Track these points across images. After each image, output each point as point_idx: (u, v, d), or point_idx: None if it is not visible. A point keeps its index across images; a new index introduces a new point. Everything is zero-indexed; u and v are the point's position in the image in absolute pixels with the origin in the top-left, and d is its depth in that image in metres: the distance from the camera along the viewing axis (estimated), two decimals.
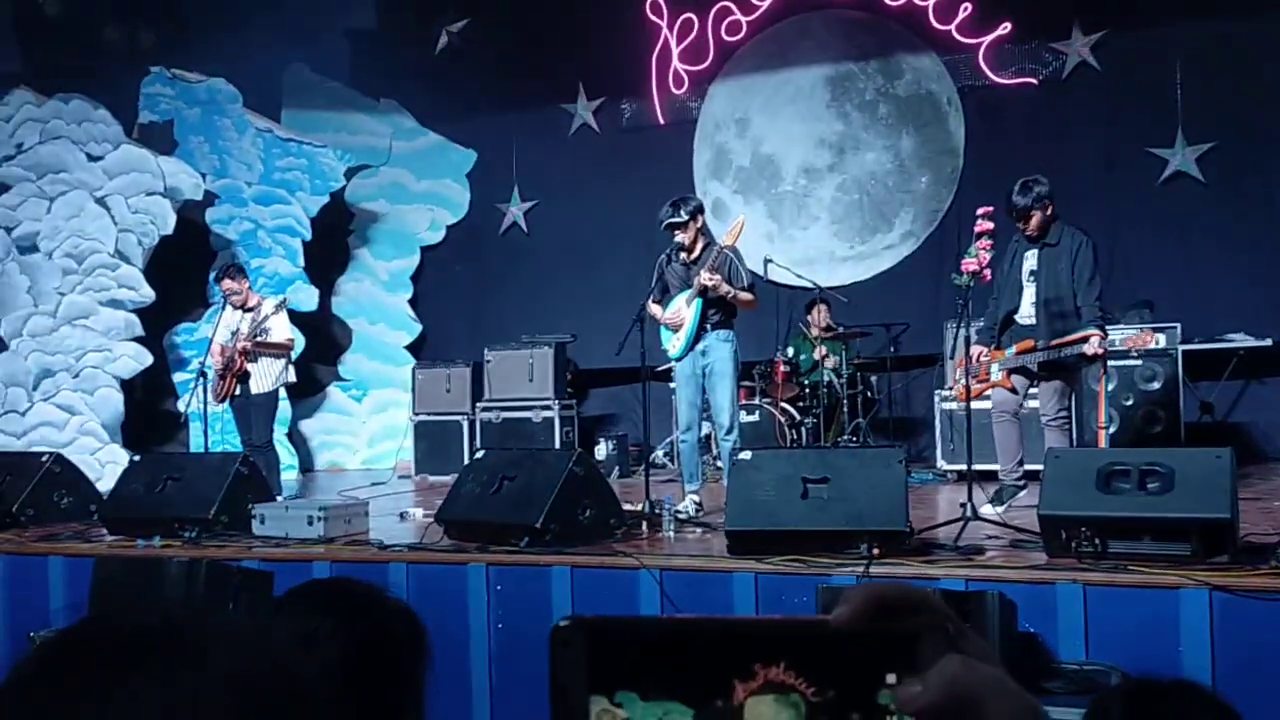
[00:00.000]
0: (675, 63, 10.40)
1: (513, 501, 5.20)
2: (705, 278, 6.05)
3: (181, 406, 10.03)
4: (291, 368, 7.89)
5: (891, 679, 0.52)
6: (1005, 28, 9.23)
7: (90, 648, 0.63)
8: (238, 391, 7.52)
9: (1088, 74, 9.12)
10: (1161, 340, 7.88)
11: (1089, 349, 5.56)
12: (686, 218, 6.20)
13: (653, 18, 10.39)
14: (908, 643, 0.52)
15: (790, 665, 0.52)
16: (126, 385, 10.24)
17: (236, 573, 5.09)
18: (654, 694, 0.53)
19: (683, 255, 6.32)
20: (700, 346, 6.23)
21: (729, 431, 6.20)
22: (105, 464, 9.46)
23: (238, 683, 0.62)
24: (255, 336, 7.39)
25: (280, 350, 7.59)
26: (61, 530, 6.24)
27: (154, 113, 10.98)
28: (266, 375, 7.56)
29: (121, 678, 0.60)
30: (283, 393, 8.02)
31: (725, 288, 6.09)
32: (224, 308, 7.72)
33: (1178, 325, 7.99)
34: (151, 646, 0.63)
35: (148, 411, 10.80)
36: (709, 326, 6.22)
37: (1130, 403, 7.85)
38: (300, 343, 10.73)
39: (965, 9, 9.33)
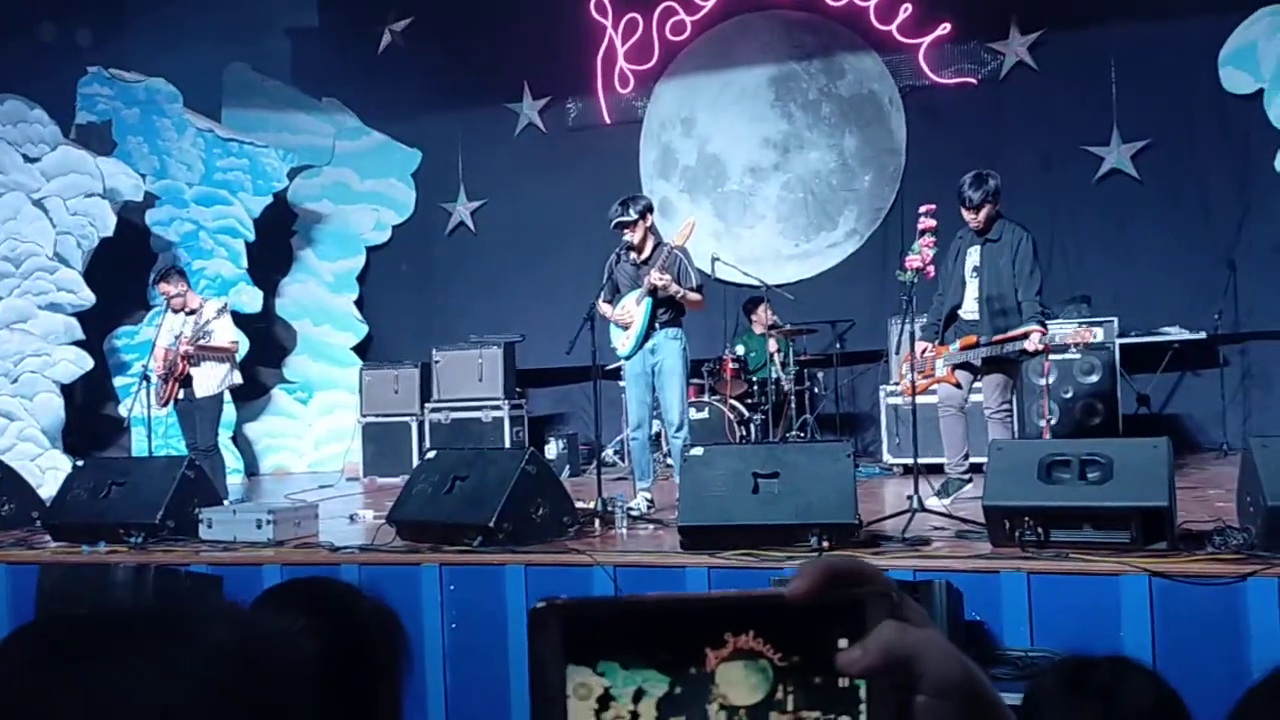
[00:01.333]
0: (620, 62, 10.44)
1: (465, 501, 5.20)
2: (655, 277, 6.09)
3: (124, 411, 9.89)
4: (237, 371, 7.81)
5: (844, 643, 0.57)
6: (945, 28, 9.38)
7: (78, 628, 0.65)
8: (181, 395, 7.44)
9: (1025, 73, 9.30)
10: (1100, 335, 8.07)
11: (1030, 345, 5.69)
12: (635, 217, 6.24)
13: (597, 17, 10.41)
14: (856, 609, 0.57)
15: (759, 634, 0.57)
16: (66, 390, 10.06)
17: (185, 577, 5.04)
18: (633, 664, 0.57)
19: (632, 255, 6.36)
20: (650, 345, 6.27)
21: (679, 429, 6.26)
22: (46, 470, 9.29)
23: (232, 656, 0.64)
24: (198, 340, 7.32)
25: (224, 353, 7.52)
26: (3, 538, 6.13)
27: (92, 113, 10.80)
28: (211, 378, 7.49)
29: (113, 651, 0.62)
30: (227, 395, 7.93)
31: (674, 288, 6.15)
32: (165, 311, 7.64)
33: (1114, 319, 8.19)
34: (143, 624, 0.65)
35: (88, 416, 10.62)
36: (658, 325, 6.26)
37: (1069, 395, 8.02)
38: (244, 345, 10.62)
39: (905, 9, 9.46)
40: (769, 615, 0.57)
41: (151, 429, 7.76)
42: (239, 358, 8.00)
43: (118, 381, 10.49)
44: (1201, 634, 3.89)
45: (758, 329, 9.29)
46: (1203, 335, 8.35)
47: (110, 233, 10.08)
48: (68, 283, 9.93)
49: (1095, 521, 4.22)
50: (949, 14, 9.33)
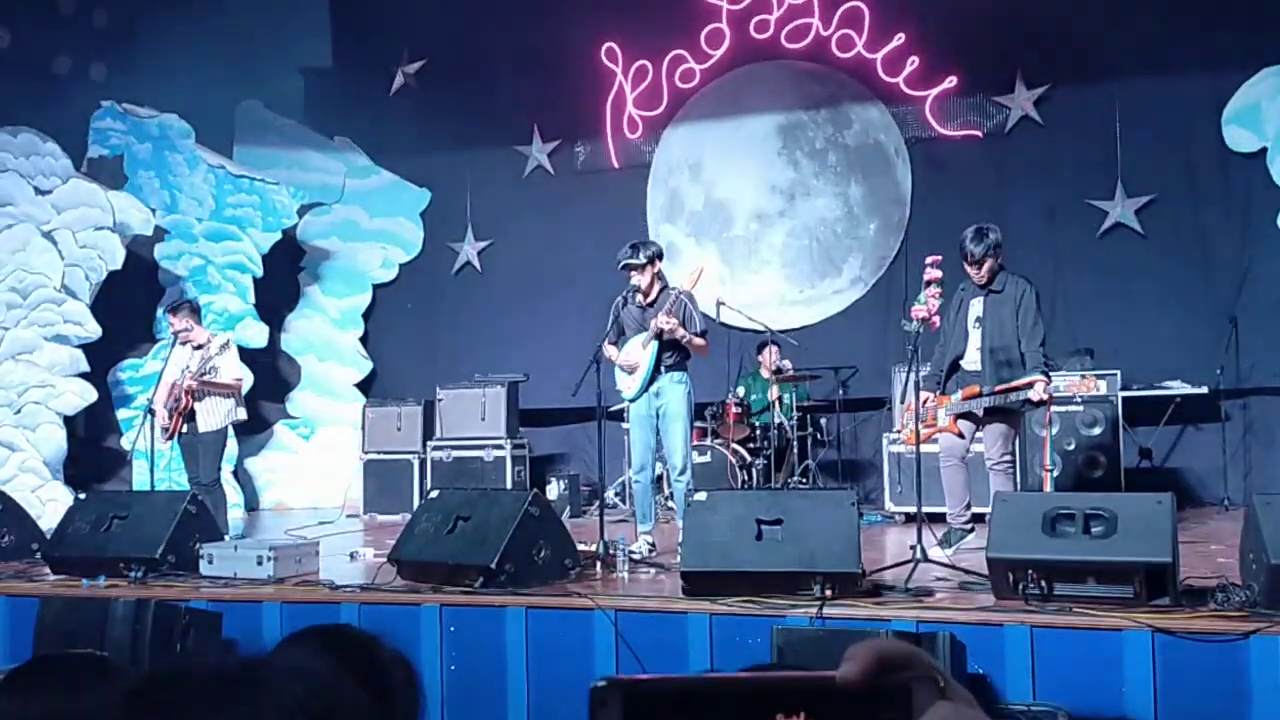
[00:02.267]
0: (630, 108, 10.54)
1: (467, 541, 5.20)
2: (662, 320, 6.12)
3: (126, 444, 9.89)
4: (241, 407, 7.81)
5: None
6: (951, 81, 9.48)
7: (162, 684, 0.67)
8: (184, 429, 7.44)
9: (1030, 127, 9.39)
10: (1103, 386, 8.09)
11: (1034, 395, 5.70)
12: (645, 261, 6.28)
13: (608, 63, 10.53)
14: (903, 693, 0.59)
15: (809, 715, 0.59)
16: (70, 422, 10.06)
17: (184, 613, 5.03)
18: None
19: (639, 298, 6.40)
20: (655, 388, 6.29)
21: (682, 472, 6.26)
22: (46, 501, 9.27)
23: (306, 710, 0.66)
24: (203, 375, 7.32)
25: (228, 390, 7.52)
26: (3, 569, 6.12)
27: (104, 147, 10.89)
28: (214, 413, 7.48)
29: (195, 710, 0.64)
30: (231, 430, 7.93)
31: (681, 331, 6.18)
32: (174, 345, 7.64)
33: (1117, 372, 8.21)
34: (223, 682, 0.67)
35: (91, 449, 10.61)
36: (664, 368, 6.28)
37: (1072, 447, 8.03)
38: (249, 380, 10.63)
39: (912, 62, 9.57)
40: (818, 697, 0.59)
41: (154, 463, 7.75)
42: (244, 392, 8.00)
43: (121, 414, 10.50)
44: (1204, 691, 3.88)
45: (764, 372, 9.31)
46: (1205, 390, 8.36)
47: (119, 266, 10.13)
48: (74, 315, 9.97)
49: (1099, 576, 4.21)
50: (955, 67, 9.43)
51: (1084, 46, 9.05)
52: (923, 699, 0.59)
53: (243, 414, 7.89)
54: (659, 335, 6.22)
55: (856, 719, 0.59)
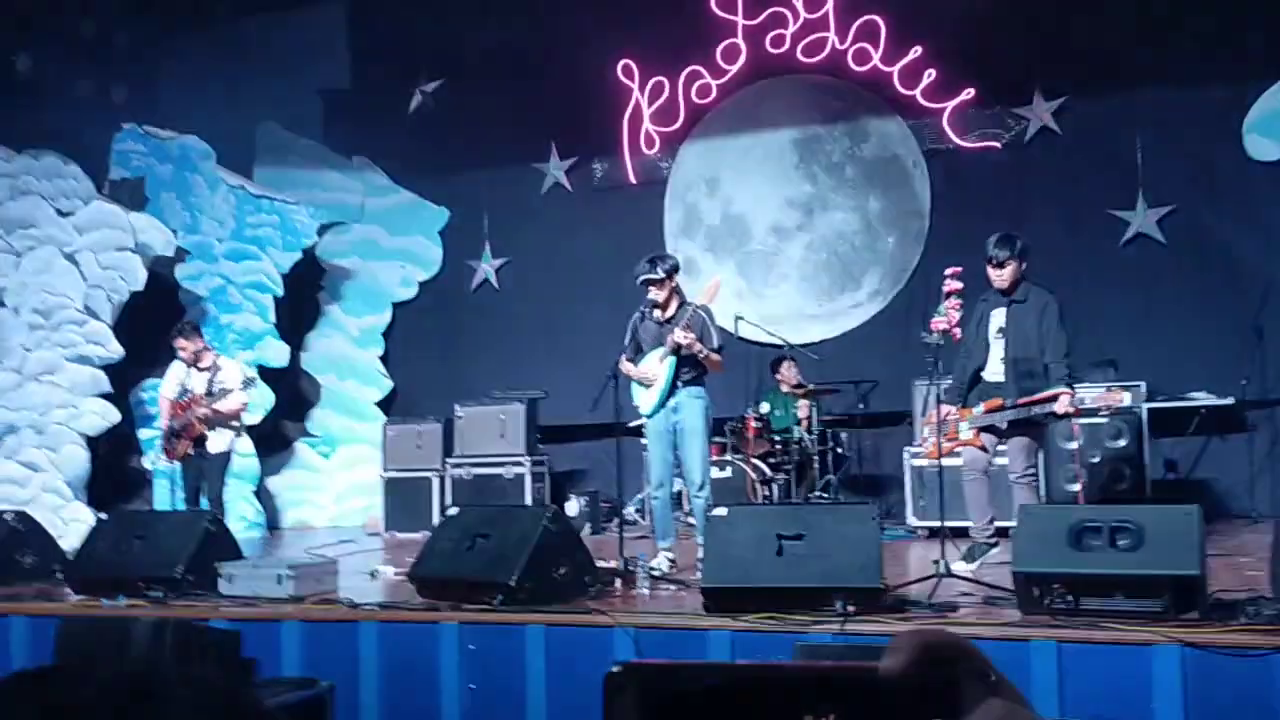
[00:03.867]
0: (646, 124, 10.55)
1: (487, 559, 5.17)
2: (680, 335, 6.09)
3: (147, 464, 9.93)
4: (243, 430, 8.20)
5: None
6: (969, 93, 9.44)
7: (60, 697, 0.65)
8: (192, 452, 7.58)
9: (1050, 138, 9.33)
10: (1127, 399, 8.01)
11: (1059, 407, 5.64)
12: (663, 275, 6.26)
13: (624, 80, 10.54)
14: (950, 690, 0.54)
15: (840, 716, 0.53)
16: (92, 442, 10.11)
17: (204, 632, 5.02)
18: None
19: (656, 313, 6.37)
20: (673, 403, 6.25)
21: (701, 488, 6.21)
22: (69, 522, 9.31)
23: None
24: (212, 401, 7.49)
25: (230, 418, 7.73)
26: (24, 590, 6.13)
27: (126, 169, 10.98)
28: (223, 436, 7.73)
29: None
30: (237, 449, 8.14)
31: (698, 346, 6.14)
32: (173, 362, 7.85)
33: (1142, 384, 8.12)
34: (121, 697, 0.65)
35: (113, 468, 10.66)
36: (681, 384, 6.25)
37: (1097, 460, 7.95)
38: (270, 399, 10.69)
39: (929, 75, 9.53)
40: (853, 694, 0.54)
41: (175, 482, 7.81)
42: (261, 412, 8.12)
43: (143, 434, 10.54)
44: (1235, 706, 3.81)
45: (784, 388, 9.27)
46: (1231, 401, 8.27)
47: (140, 287, 10.20)
48: (97, 335, 10.03)
49: (1127, 589, 4.15)
50: (973, 80, 9.39)
51: (1102, 56, 8.99)
52: (972, 695, 0.54)
53: (245, 440, 8.13)
54: (676, 350, 6.19)
55: (896, 717, 0.53)
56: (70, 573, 6.07)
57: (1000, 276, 5.97)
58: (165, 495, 8.20)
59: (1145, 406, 8.07)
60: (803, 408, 8.90)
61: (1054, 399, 5.66)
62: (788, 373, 9.22)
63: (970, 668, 0.54)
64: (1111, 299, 8.96)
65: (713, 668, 0.56)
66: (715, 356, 6.26)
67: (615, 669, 0.55)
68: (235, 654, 5.10)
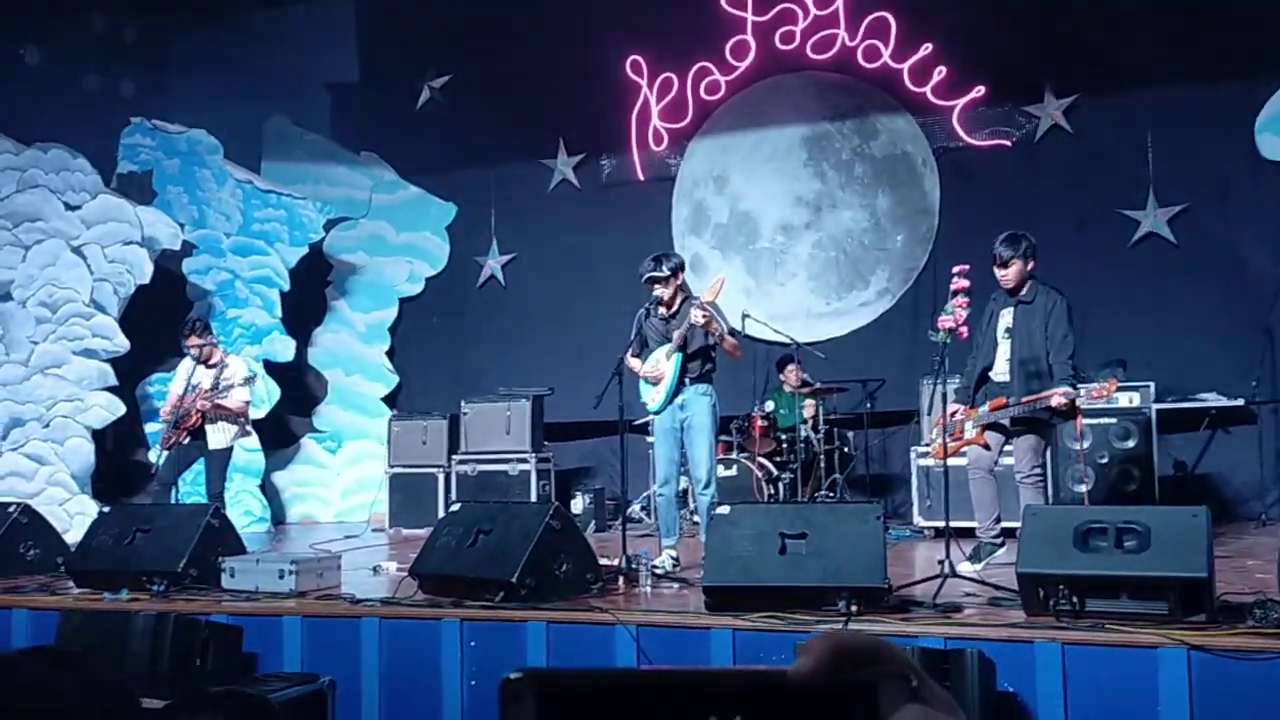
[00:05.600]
0: (655, 120, 10.51)
1: (488, 555, 5.15)
2: (696, 315, 6.02)
3: (153, 457, 9.93)
4: (249, 426, 8.20)
5: None
6: (979, 91, 9.38)
7: None
8: (185, 441, 7.59)
9: (1060, 136, 9.27)
10: (1136, 399, 7.95)
11: (1055, 401, 5.60)
12: (668, 273, 6.23)
13: (633, 76, 10.51)
14: (868, 694, 0.51)
15: (746, 718, 0.51)
16: (98, 435, 10.12)
17: (205, 627, 5.01)
18: None
19: (661, 310, 6.34)
20: (679, 400, 6.22)
21: (706, 486, 6.18)
22: (74, 515, 9.33)
23: None
24: (216, 396, 7.50)
25: (234, 415, 7.73)
26: (27, 583, 6.13)
27: (133, 163, 10.98)
28: (225, 431, 7.73)
29: None
30: (239, 446, 8.16)
31: (716, 325, 6.09)
32: (184, 358, 7.88)
33: (1151, 384, 8.06)
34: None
35: (118, 462, 10.67)
36: (688, 380, 6.22)
37: (1105, 460, 7.90)
38: (275, 394, 10.69)
39: (940, 72, 9.48)
40: (759, 699, 0.51)
41: (178, 476, 7.83)
42: (264, 409, 8.14)
43: (149, 428, 10.55)
44: (1241, 710, 3.76)
45: (787, 388, 9.23)
46: (1240, 402, 8.20)
47: (147, 280, 10.20)
48: (103, 329, 10.03)
49: (1132, 591, 4.10)
50: (983, 78, 9.33)
51: (1113, 55, 8.93)
52: (891, 700, 0.51)
53: (250, 435, 8.13)
54: (683, 346, 6.15)
55: None
56: (72, 566, 6.06)
57: (1005, 276, 5.93)
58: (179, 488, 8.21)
59: (1154, 407, 8.01)
60: (809, 406, 8.85)
61: (1052, 396, 5.62)
62: (790, 374, 9.18)
63: (889, 670, 0.50)
64: (1121, 299, 8.90)
65: (615, 673, 0.53)
66: (731, 340, 6.22)
67: (512, 676, 0.52)
68: (236, 649, 5.10)
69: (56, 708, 0.69)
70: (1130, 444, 7.89)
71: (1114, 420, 7.88)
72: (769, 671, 0.51)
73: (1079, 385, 5.80)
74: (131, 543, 5.86)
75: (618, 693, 0.52)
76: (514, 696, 0.52)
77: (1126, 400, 7.86)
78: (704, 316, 6.00)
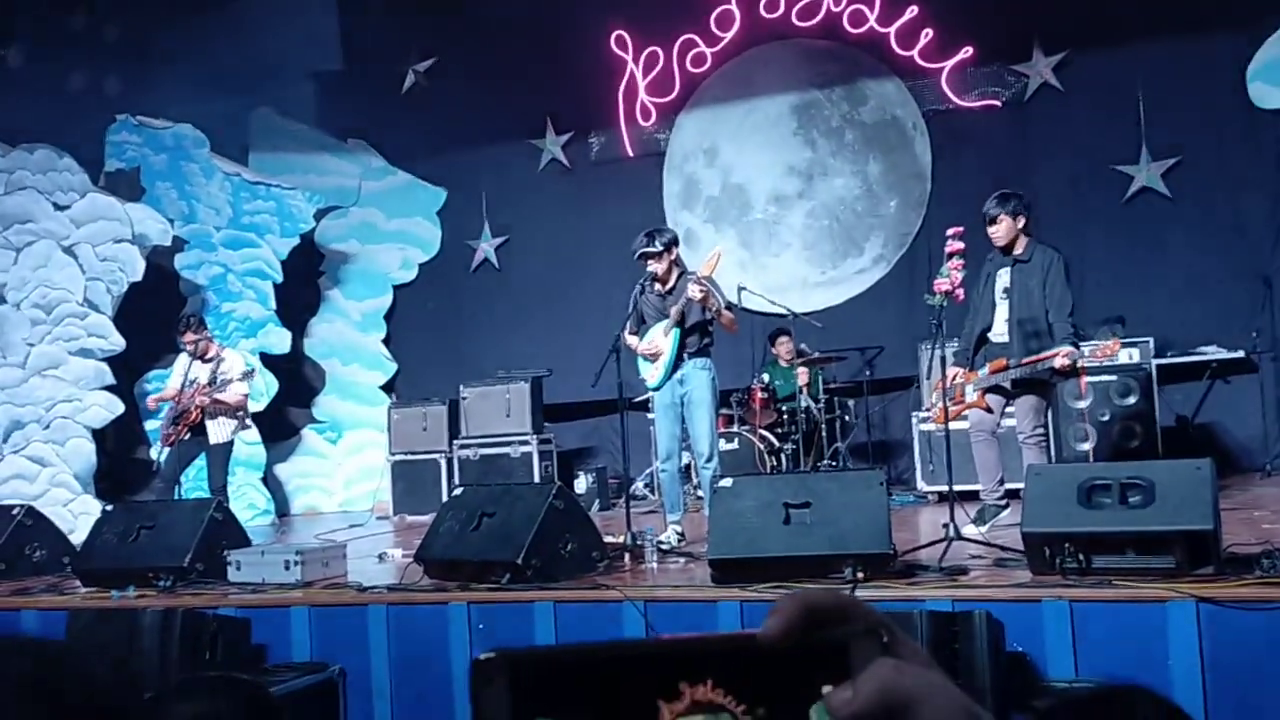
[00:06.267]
0: (642, 95, 10.45)
1: (493, 538, 5.14)
2: (693, 290, 6.00)
3: (154, 454, 9.93)
4: (248, 419, 8.20)
5: (827, 689, 0.50)
6: (967, 52, 9.32)
7: None
8: (186, 437, 7.59)
9: (1051, 94, 9.21)
10: (1135, 355, 7.93)
11: (1058, 362, 5.58)
12: (661, 248, 6.20)
13: (618, 51, 10.44)
14: (839, 652, 0.50)
15: (719, 683, 0.50)
16: (98, 435, 10.11)
17: (212, 621, 5.01)
18: None
19: (657, 286, 6.32)
20: (678, 375, 6.20)
21: (709, 460, 6.17)
22: (78, 515, 9.32)
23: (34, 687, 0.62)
24: (214, 391, 7.51)
25: (232, 409, 7.74)
26: (34, 584, 6.13)
27: (121, 160, 10.93)
28: (225, 426, 7.74)
29: None
30: (239, 439, 8.16)
31: (713, 299, 6.07)
32: (180, 353, 7.88)
33: (1150, 340, 8.05)
34: None
35: (120, 460, 10.67)
36: (687, 355, 6.20)
37: (1106, 418, 7.88)
38: (274, 387, 10.67)
39: (926, 35, 9.41)
40: (734, 661, 0.50)
41: (180, 473, 7.83)
42: (266, 401, 8.13)
43: (148, 425, 10.53)
44: (1252, 660, 3.76)
45: (781, 361, 9.21)
46: (1241, 354, 8.19)
47: (139, 277, 10.17)
48: (98, 328, 10.01)
49: (1139, 546, 4.10)
50: (970, 38, 9.27)
51: (1101, 9, 8.86)
52: (863, 656, 0.50)
53: (249, 427, 8.16)
54: (681, 321, 6.13)
55: (780, 684, 0.50)
56: (77, 565, 6.06)
57: (995, 234, 5.89)
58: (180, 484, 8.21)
59: (1155, 362, 7.99)
60: (802, 374, 8.83)
61: (1055, 357, 5.60)
62: (782, 346, 9.16)
63: (860, 627, 0.50)
64: (1118, 254, 8.87)
65: (584, 647, 0.52)
66: (728, 314, 6.22)
67: (484, 657, 0.51)
68: (245, 641, 5.10)
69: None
70: (1131, 400, 7.87)
71: (1114, 377, 7.86)
72: (739, 635, 0.51)
73: (1080, 344, 5.78)
74: (136, 540, 5.86)
75: (590, 666, 0.51)
76: (486, 679, 0.51)
77: (1126, 356, 7.84)
78: (701, 291, 5.98)
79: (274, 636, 5.14)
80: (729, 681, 0.50)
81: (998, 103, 9.35)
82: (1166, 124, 8.78)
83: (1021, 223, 5.89)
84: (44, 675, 0.65)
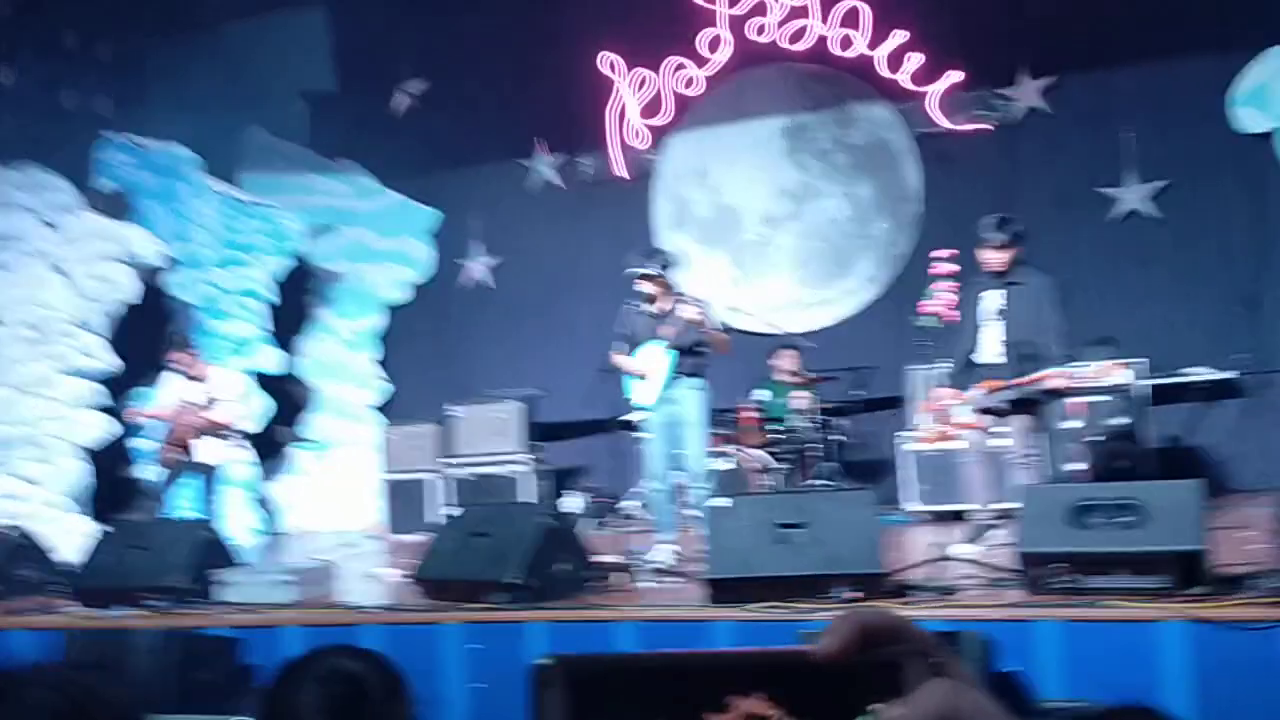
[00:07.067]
0: (632, 117, 10.50)
1: (487, 558, 5.15)
2: (690, 312, 6.03)
3: (145, 475, 9.89)
4: (239, 438, 8.15)
5: (875, 707, 0.52)
6: (956, 76, 9.39)
7: None
8: (178, 458, 7.59)
9: (1039, 118, 9.30)
10: (1131, 376, 7.98)
11: (1052, 384, 5.62)
12: (657, 270, 6.24)
13: (608, 73, 10.50)
14: (890, 671, 0.52)
15: (770, 696, 0.52)
16: (90, 454, 10.07)
17: (204, 641, 5.01)
18: None
19: (648, 307, 6.35)
20: (671, 395, 6.23)
21: (701, 479, 6.19)
22: (69, 534, 9.26)
23: (59, 711, 0.64)
24: (206, 410, 7.52)
25: (223, 429, 7.73)
26: (26, 604, 6.10)
27: (112, 179, 10.91)
28: (217, 446, 7.74)
29: None
30: (230, 461, 8.13)
31: (708, 321, 6.10)
32: (169, 372, 7.86)
33: (1144, 360, 8.10)
34: None
35: (112, 480, 10.61)
36: (680, 375, 6.23)
37: (1098, 439, 7.92)
38: (268, 407, 10.64)
39: (916, 58, 9.49)
40: (786, 676, 0.52)
41: (171, 491, 7.81)
42: (263, 421, 8.15)
43: (141, 445, 10.49)
44: (1243, 679, 3.79)
45: (776, 376, 9.23)
46: (1230, 375, 8.25)
47: (131, 297, 10.15)
48: (89, 348, 9.98)
49: (1130, 566, 4.13)
50: (959, 61, 9.35)
51: (1088, 33, 8.95)
52: (914, 676, 0.52)
53: (242, 447, 8.10)
54: (675, 340, 6.16)
55: (831, 700, 0.51)
56: (72, 584, 6.04)
57: (998, 259, 5.92)
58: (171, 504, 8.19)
59: (1145, 383, 8.04)
60: (803, 398, 8.84)
61: (1049, 379, 5.64)
62: (780, 360, 9.18)
63: (912, 648, 0.51)
64: (1107, 277, 8.93)
65: (641, 656, 0.55)
66: (722, 335, 6.26)
67: (545, 661, 0.54)
68: (236, 661, 5.09)
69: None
70: (1122, 421, 7.92)
71: (1105, 398, 7.90)
72: (791, 651, 0.52)
73: (1074, 365, 5.82)
74: (129, 560, 5.85)
75: (644, 674, 0.53)
76: (547, 682, 0.53)
77: (1119, 377, 7.89)
78: (697, 313, 6.03)
79: (266, 656, 5.13)
80: (778, 695, 0.52)
81: (989, 126, 9.42)
82: (1153, 147, 8.86)
83: (1020, 250, 5.95)
84: (74, 708, 0.67)
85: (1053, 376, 5.61)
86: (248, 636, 5.14)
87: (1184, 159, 8.81)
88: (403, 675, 1.74)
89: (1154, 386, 8.18)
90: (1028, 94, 9.30)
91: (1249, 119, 8.61)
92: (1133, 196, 8.99)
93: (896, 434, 8.43)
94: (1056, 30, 9.06)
